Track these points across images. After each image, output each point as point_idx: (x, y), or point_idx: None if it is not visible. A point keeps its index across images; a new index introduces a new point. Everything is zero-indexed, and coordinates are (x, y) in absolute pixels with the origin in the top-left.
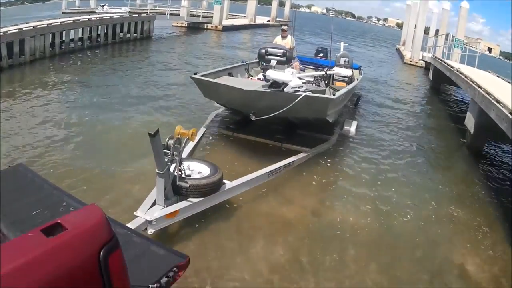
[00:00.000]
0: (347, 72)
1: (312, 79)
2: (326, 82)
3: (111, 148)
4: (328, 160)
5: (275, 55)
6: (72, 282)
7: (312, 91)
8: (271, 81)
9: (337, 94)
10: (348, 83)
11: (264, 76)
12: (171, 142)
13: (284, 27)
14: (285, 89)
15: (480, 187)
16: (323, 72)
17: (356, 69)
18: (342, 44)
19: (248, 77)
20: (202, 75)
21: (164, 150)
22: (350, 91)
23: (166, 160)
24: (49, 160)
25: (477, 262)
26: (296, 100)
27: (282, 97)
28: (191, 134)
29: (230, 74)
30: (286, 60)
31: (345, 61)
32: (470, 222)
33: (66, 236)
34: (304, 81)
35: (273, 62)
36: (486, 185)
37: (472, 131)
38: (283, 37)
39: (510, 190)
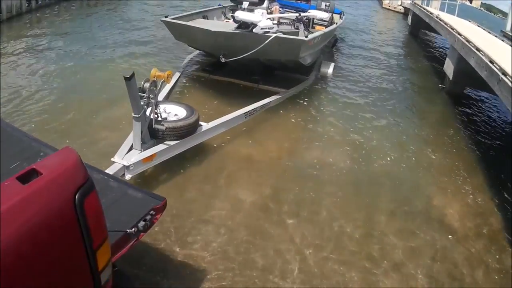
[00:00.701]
0: (324, 15)
1: (288, 22)
2: (305, 25)
3: (87, 95)
4: (305, 100)
5: None
6: (49, 226)
7: (285, 33)
8: (240, 22)
9: (311, 36)
10: (327, 27)
11: (233, 17)
12: (147, 85)
13: None
14: (254, 30)
15: (458, 132)
16: (296, 14)
17: (337, 13)
18: None
19: (224, 20)
20: (173, 18)
21: (140, 94)
22: (326, 34)
23: (142, 103)
24: (27, 110)
25: (457, 209)
26: (266, 42)
27: (251, 38)
28: (166, 76)
29: (204, 17)
30: (259, 1)
31: (325, 5)
32: (449, 166)
33: (41, 181)
34: (275, 22)
35: (245, 4)
36: (463, 130)
37: (451, 77)
38: None
39: (486, 136)
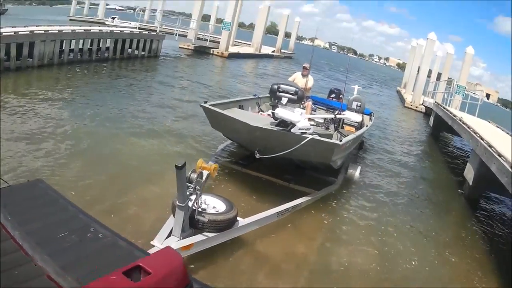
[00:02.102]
0: (357, 117)
1: (321, 121)
2: (335, 125)
3: (117, 171)
4: (334, 202)
5: (287, 92)
6: None
7: (320, 135)
8: (279, 120)
9: (344, 140)
10: (357, 128)
11: (273, 113)
12: (194, 175)
13: (305, 64)
14: (292, 130)
15: (477, 236)
16: (332, 116)
17: (367, 114)
18: (356, 87)
19: (259, 112)
20: (211, 105)
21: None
22: (358, 137)
23: (188, 193)
24: (54, 177)
25: None
26: (302, 143)
27: (288, 138)
28: (212, 169)
29: (240, 107)
30: (298, 99)
31: (357, 105)
32: (466, 268)
33: (150, 280)
34: (312, 123)
35: (284, 100)
36: (481, 234)
37: (471, 182)
38: (304, 75)
39: (505, 239)
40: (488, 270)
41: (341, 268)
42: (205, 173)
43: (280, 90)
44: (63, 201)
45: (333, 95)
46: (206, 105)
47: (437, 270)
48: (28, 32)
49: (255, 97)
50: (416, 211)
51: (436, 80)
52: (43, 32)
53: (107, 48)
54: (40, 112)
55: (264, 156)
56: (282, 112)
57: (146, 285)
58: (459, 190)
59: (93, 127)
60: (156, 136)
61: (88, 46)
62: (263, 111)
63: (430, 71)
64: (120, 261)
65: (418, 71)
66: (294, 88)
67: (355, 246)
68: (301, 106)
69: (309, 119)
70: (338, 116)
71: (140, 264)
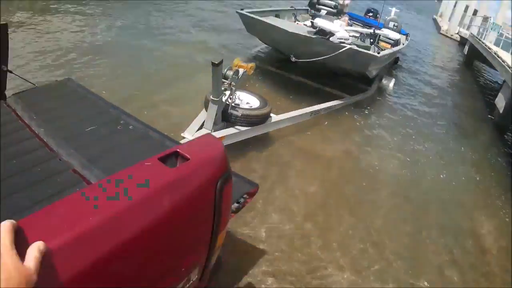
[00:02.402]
0: (395, 35)
1: (358, 35)
2: (371, 40)
3: (152, 71)
4: (367, 108)
5: (326, 5)
6: (188, 213)
7: (358, 46)
8: (318, 29)
9: (382, 53)
10: (393, 45)
11: (312, 23)
12: (230, 72)
13: None
14: (331, 39)
15: (500, 159)
16: (371, 30)
17: (404, 35)
18: (393, 9)
19: (295, 22)
20: (249, 12)
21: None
22: (394, 53)
23: (222, 88)
24: (88, 77)
25: (492, 228)
26: (340, 50)
27: (327, 45)
28: (249, 68)
29: (277, 16)
30: (336, 12)
31: (394, 25)
32: (488, 190)
33: (188, 166)
34: (351, 34)
35: (323, 12)
36: (506, 159)
37: (501, 110)
38: None
39: None
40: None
41: (371, 170)
42: (241, 71)
43: (319, 2)
44: (93, 96)
45: (370, 14)
46: (244, 11)
47: (463, 184)
48: None
49: (291, 8)
50: (445, 130)
51: (473, 15)
52: None
53: None
54: (69, 24)
55: (300, 60)
56: (322, 22)
57: (183, 170)
58: (489, 116)
59: (123, 36)
60: (189, 44)
61: None
62: (299, 22)
63: (467, 7)
64: (152, 151)
65: (455, 5)
66: (333, 2)
67: (386, 151)
68: (340, 20)
69: (347, 31)
70: (377, 31)
71: (178, 150)
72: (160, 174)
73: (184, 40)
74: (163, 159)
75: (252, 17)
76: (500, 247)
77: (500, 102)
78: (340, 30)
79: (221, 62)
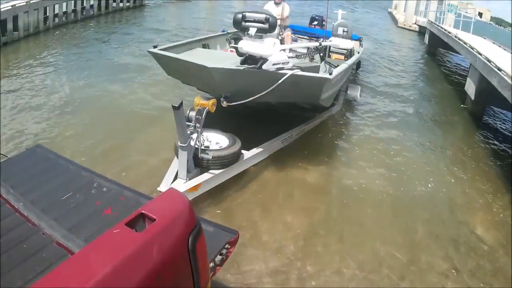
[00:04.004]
0: (347, 43)
1: (305, 51)
2: (321, 55)
3: (116, 120)
4: (338, 123)
5: (255, 21)
6: (165, 273)
7: (302, 68)
8: (245, 55)
9: (335, 72)
10: (347, 56)
11: (235, 49)
12: (193, 113)
13: None
14: (264, 66)
15: (482, 151)
16: (317, 43)
17: (356, 40)
18: (340, 12)
19: (229, 50)
20: (163, 48)
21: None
22: (350, 67)
23: (188, 132)
24: (58, 137)
25: (487, 225)
26: (279, 81)
27: (260, 77)
28: (211, 105)
29: (205, 46)
30: (269, 27)
31: (343, 31)
32: (478, 185)
33: (155, 228)
34: (291, 55)
35: (252, 30)
36: (487, 149)
37: (472, 97)
38: (277, 4)
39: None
40: (499, 189)
41: (354, 188)
42: (203, 109)
43: (246, 19)
44: (64, 161)
45: (315, 23)
46: (155, 50)
47: (452, 187)
48: (10, 7)
49: (223, 33)
50: (421, 127)
51: (427, 0)
52: (24, 3)
53: (92, 6)
54: (34, 78)
55: (233, 103)
56: (248, 46)
57: (151, 232)
58: (462, 105)
59: (89, 82)
60: (150, 84)
61: (72, 8)
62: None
63: None
64: (128, 212)
65: None
66: (263, 15)
67: (367, 166)
68: (279, 37)
69: (287, 50)
70: (323, 43)
71: (143, 211)
72: (129, 240)
73: (146, 82)
74: (131, 224)
75: (164, 55)
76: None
77: (470, 88)
78: (274, 51)
79: (181, 103)
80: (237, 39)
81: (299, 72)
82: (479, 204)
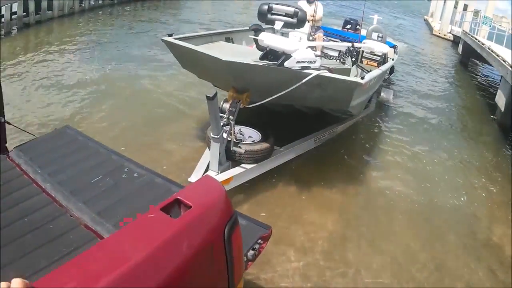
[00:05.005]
0: (382, 47)
1: (336, 54)
2: (353, 59)
3: (145, 109)
4: (370, 126)
5: (282, 14)
6: (201, 262)
7: (331, 70)
8: (266, 50)
9: (367, 76)
10: (380, 63)
11: (256, 41)
12: (226, 105)
13: None
14: (286, 63)
15: (509, 163)
16: (349, 44)
17: (391, 47)
18: (375, 16)
19: (254, 46)
20: (179, 38)
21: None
22: (383, 73)
23: (221, 124)
24: (84, 122)
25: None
26: (303, 81)
27: (280, 75)
28: (245, 97)
29: (228, 40)
30: (298, 22)
31: (378, 36)
32: (505, 197)
33: (191, 215)
34: (319, 53)
35: (279, 24)
36: None
37: (502, 108)
38: (310, 2)
39: None
40: None
41: (384, 193)
42: (237, 102)
43: (272, 11)
44: (94, 144)
45: (349, 26)
46: (170, 38)
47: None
48: None
49: (252, 26)
50: (451, 137)
51: (463, 10)
52: None
53: None
54: (64, 59)
55: (251, 105)
56: (269, 39)
57: (187, 220)
58: (492, 116)
59: (118, 69)
60: (183, 73)
61: None
62: None
63: (457, 2)
64: (159, 200)
65: (444, 2)
66: (292, 8)
67: (399, 173)
68: (311, 38)
69: (317, 49)
70: (356, 45)
71: (179, 197)
72: (164, 226)
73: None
74: (166, 209)
75: (179, 45)
76: None
77: (500, 100)
78: (300, 47)
79: (216, 94)
80: (258, 31)
81: (327, 74)
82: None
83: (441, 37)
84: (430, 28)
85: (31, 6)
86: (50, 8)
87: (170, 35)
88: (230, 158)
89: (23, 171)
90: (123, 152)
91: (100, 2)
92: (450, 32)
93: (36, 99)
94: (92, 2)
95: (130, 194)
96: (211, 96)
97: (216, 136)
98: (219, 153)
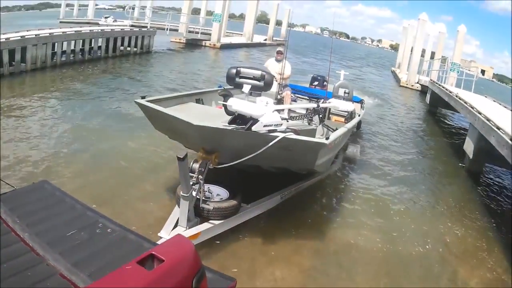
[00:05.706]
0: (347, 106)
1: (304, 112)
2: (320, 116)
3: (117, 166)
4: (337, 181)
5: (249, 77)
6: None
7: (297, 131)
8: (235, 115)
9: (332, 136)
10: (347, 118)
11: (224, 106)
12: (196, 165)
13: (279, 48)
14: (254, 127)
15: (479, 209)
16: (314, 105)
17: (357, 102)
18: (342, 72)
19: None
20: (151, 100)
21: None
22: (349, 131)
23: (190, 183)
24: (58, 178)
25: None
26: (269, 144)
27: (248, 139)
28: (213, 158)
29: (199, 101)
30: (265, 85)
31: (344, 92)
32: (473, 243)
33: (164, 268)
34: (285, 115)
35: (246, 88)
36: (484, 207)
37: (471, 156)
38: (278, 61)
39: (508, 212)
40: (494, 247)
41: (347, 248)
42: (206, 162)
43: (240, 74)
44: (70, 200)
45: (316, 83)
46: (142, 101)
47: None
48: (19, 38)
49: (220, 88)
50: (420, 186)
51: (430, 59)
52: (34, 36)
53: (99, 47)
54: (37, 114)
55: (219, 166)
56: (237, 104)
57: (160, 272)
58: (460, 164)
59: (91, 126)
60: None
61: (80, 47)
62: None
63: (423, 51)
64: (131, 254)
65: (411, 51)
66: (259, 72)
67: (362, 226)
68: (278, 96)
69: (285, 111)
70: (321, 105)
71: (153, 252)
72: (140, 277)
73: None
74: (141, 262)
75: (150, 107)
76: None
77: (469, 147)
78: (266, 112)
79: (186, 156)
80: (226, 96)
81: (292, 136)
82: (474, 262)
83: (409, 88)
84: (398, 80)
85: (5, 57)
86: (23, 60)
87: (143, 97)
88: (198, 214)
89: (3, 219)
90: (94, 208)
91: (71, 57)
92: (417, 82)
93: (9, 152)
94: (64, 58)
95: (104, 248)
96: (181, 157)
97: (185, 195)
98: (188, 210)
